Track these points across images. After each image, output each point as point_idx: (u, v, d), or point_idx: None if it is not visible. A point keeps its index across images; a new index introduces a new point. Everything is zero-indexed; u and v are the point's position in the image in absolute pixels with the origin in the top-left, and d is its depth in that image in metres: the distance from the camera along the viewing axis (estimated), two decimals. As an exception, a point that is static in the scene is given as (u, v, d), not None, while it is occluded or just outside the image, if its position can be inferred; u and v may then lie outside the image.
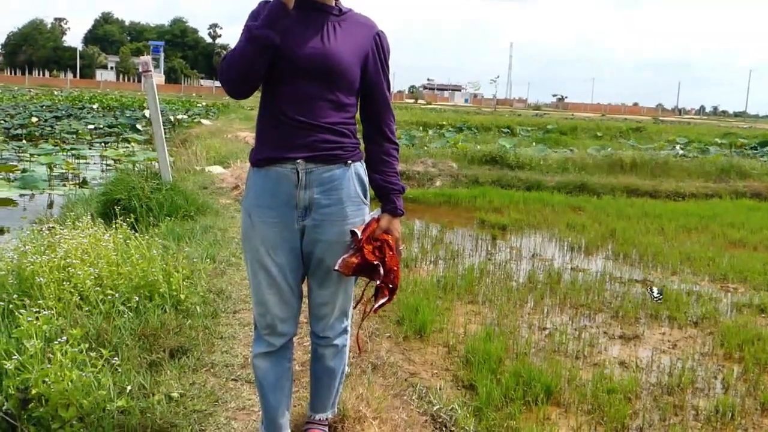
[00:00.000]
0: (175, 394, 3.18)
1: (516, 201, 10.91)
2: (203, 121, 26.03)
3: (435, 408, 3.42)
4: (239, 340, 4.00)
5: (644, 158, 15.23)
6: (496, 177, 12.98)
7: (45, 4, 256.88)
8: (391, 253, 2.50)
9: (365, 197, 2.54)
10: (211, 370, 3.56)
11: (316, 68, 2.34)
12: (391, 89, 2.63)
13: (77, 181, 11.86)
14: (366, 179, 2.54)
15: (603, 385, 3.99)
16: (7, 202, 10.00)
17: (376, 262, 2.46)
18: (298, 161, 2.38)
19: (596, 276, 6.63)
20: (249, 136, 18.04)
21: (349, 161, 2.45)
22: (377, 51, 2.48)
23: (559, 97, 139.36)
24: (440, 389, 3.76)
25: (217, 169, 11.50)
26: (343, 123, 2.43)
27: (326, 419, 2.86)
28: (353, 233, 2.45)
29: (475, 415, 3.52)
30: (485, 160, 14.35)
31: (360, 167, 2.51)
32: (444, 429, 3.27)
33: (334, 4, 2.44)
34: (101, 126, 22.11)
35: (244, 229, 2.52)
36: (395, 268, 2.53)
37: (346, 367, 2.84)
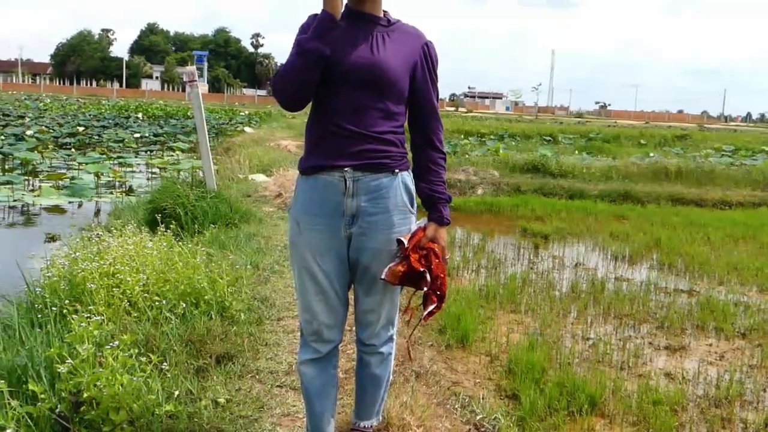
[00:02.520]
0: (221, 400, 3.23)
1: (558, 209, 10.84)
2: (246, 129, 26.32)
3: (478, 417, 3.42)
4: (284, 347, 4.04)
5: (689, 166, 15.02)
6: (538, 185, 12.91)
7: (93, 15, 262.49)
8: (437, 260, 2.51)
9: (412, 206, 2.55)
10: (257, 377, 3.60)
11: (366, 78, 2.37)
12: (439, 99, 2.64)
13: (123, 189, 12.10)
14: (413, 188, 2.56)
15: (648, 396, 3.94)
16: (56, 209, 10.24)
17: (422, 269, 2.47)
18: (346, 169, 2.41)
19: (641, 286, 6.55)
20: (291, 145, 18.19)
21: (397, 170, 2.48)
22: (425, 61, 2.51)
23: (602, 104, 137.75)
24: (483, 398, 3.75)
25: (260, 177, 11.62)
26: (392, 132, 2.45)
27: (371, 427, 2.87)
28: (399, 242, 2.47)
29: (518, 424, 3.51)
30: (527, 169, 14.30)
31: (407, 176, 2.54)
32: (487, 438, 3.27)
33: (382, 15, 2.47)
34: (147, 135, 22.51)
35: (292, 236, 2.55)
36: (442, 275, 2.54)
37: (391, 375, 2.85)
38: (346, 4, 2.47)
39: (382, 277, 2.45)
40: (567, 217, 10.29)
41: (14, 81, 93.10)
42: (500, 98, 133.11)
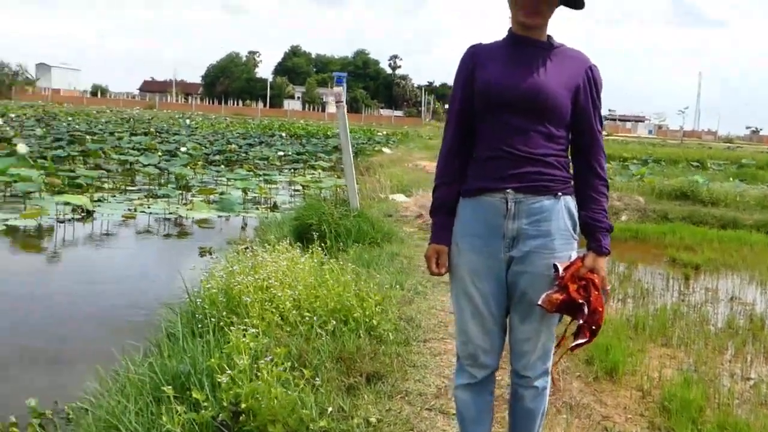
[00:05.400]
0: (373, 419, 3.26)
1: (710, 239, 10.29)
2: (384, 149, 26.73)
3: (632, 455, 3.27)
4: (431, 369, 4.03)
5: None
6: (687, 213, 12.34)
7: (241, 39, 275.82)
8: (596, 292, 2.43)
9: (575, 232, 2.50)
10: (406, 398, 3.61)
11: (528, 101, 2.37)
12: (603, 124, 2.57)
13: (268, 205, 12.52)
14: (576, 214, 2.50)
15: (821, 445, 3.65)
16: (205, 222, 10.76)
17: (581, 301, 2.40)
18: (508, 191, 2.39)
19: (806, 324, 6.10)
20: (429, 166, 18.29)
21: (560, 194, 2.44)
22: (589, 85, 2.47)
23: (754, 129, 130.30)
24: (636, 435, 3.59)
25: (400, 198, 11.76)
26: (555, 155, 2.43)
27: (524, 459, 2.80)
28: (555, 267, 2.42)
29: (675, 465, 3.34)
30: (675, 195, 13.72)
31: (570, 201, 2.49)
32: (643, 478, 3.13)
33: (545, 39, 2.46)
34: (290, 153, 23.27)
35: (451, 257, 2.55)
36: (600, 309, 2.45)
37: (546, 409, 2.77)
38: (510, 29, 2.49)
39: (539, 303, 2.40)
40: (719, 247, 9.74)
41: (168, 100, 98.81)
42: (642, 121, 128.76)
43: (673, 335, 5.53)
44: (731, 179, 19.06)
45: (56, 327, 5.58)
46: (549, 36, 2.49)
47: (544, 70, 2.40)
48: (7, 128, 25.22)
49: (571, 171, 2.54)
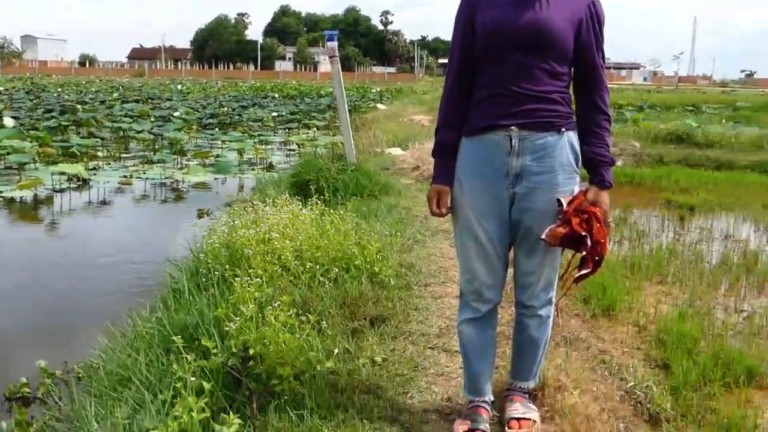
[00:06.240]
0: (378, 359, 3.35)
1: (705, 181, 10.35)
2: (378, 105, 26.66)
3: (629, 384, 3.38)
4: (432, 311, 4.13)
5: None
6: (683, 156, 12.40)
7: (229, 1, 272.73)
8: (598, 225, 2.49)
9: (577, 166, 2.55)
10: (409, 338, 3.71)
11: (531, 38, 2.38)
12: (605, 59, 2.59)
13: (264, 166, 12.54)
14: (578, 148, 2.54)
15: (812, 370, 3.75)
16: (203, 185, 10.79)
17: (583, 233, 2.46)
18: (512, 128, 2.43)
19: (799, 258, 6.19)
20: (424, 119, 18.28)
21: (563, 129, 2.47)
22: (591, 20, 2.47)
23: (748, 72, 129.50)
24: (633, 367, 3.69)
25: (396, 151, 11.80)
26: (558, 91, 2.45)
27: (527, 388, 2.90)
28: (559, 202, 2.48)
29: (671, 394, 3.44)
30: (670, 139, 13.77)
31: (573, 136, 2.52)
32: (640, 405, 3.24)
33: None
34: (283, 113, 23.18)
35: (455, 197, 2.59)
36: (602, 240, 2.51)
37: (549, 338, 2.86)
38: None
39: (542, 237, 2.46)
40: (714, 188, 9.81)
41: (158, 67, 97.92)
42: (637, 68, 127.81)
43: (669, 273, 5.62)
44: (724, 122, 19.04)
45: (61, 295, 5.63)
46: None
47: (546, 6, 2.40)
48: (-3, 101, 25.04)
49: (573, 106, 2.58)
